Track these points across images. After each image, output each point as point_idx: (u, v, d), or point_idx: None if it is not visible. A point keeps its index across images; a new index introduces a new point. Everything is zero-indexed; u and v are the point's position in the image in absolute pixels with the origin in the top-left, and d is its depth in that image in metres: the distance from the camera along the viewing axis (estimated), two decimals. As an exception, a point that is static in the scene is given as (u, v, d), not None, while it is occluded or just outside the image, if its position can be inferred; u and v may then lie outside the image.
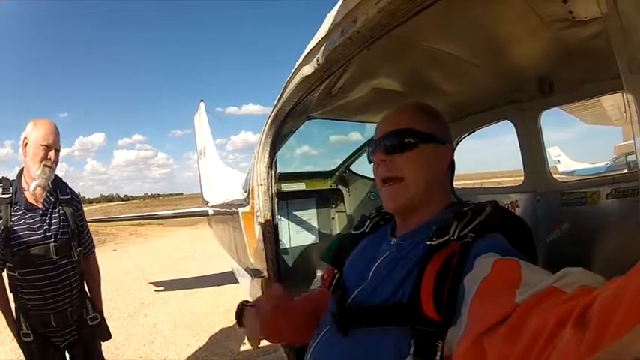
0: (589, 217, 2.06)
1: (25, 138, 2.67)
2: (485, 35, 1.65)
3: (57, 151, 2.72)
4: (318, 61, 1.54)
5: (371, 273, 1.20)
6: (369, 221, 1.48)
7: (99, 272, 3.16)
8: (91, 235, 3.10)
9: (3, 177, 2.74)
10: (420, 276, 1.02)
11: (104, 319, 3.02)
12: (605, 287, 0.51)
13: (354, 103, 2.37)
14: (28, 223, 2.61)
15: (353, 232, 1.51)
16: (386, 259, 1.20)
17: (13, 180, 2.73)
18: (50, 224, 2.68)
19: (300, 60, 1.69)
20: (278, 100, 2.11)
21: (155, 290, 9.80)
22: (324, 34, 1.42)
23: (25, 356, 2.70)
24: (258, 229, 2.67)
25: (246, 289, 4.23)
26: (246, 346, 5.73)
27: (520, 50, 1.82)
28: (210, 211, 7.72)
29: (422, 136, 1.21)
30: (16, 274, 2.59)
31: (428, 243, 1.07)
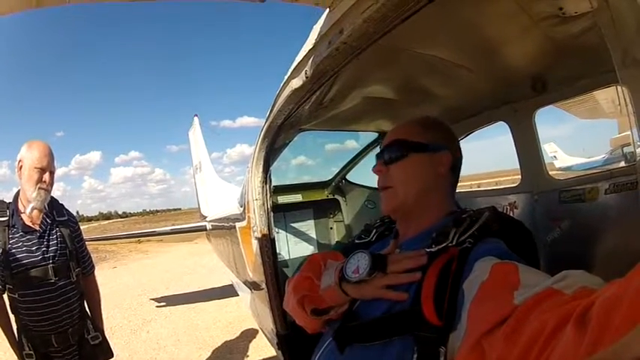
0: (589, 214, 2.05)
1: (20, 160, 2.65)
2: (476, 37, 1.66)
3: (51, 173, 2.70)
4: (306, 73, 1.52)
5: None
6: (374, 230, 1.51)
7: (98, 292, 3.14)
8: (90, 256, 3.07)
9: (0, 200, 2.73)
10: (420, 283, 1.03)
11: (105, 338, 3.00)
12: (606, 289, 0.52)
13: (347, 112, 2.37)
14: (25, 246, 2.59)
15: (357, 241, 1.52)
16: None
17: (9, 202, 2.71)
18: (48, 246, 2.66)
19: (289, 73, 1.68)
20: (269, 114, 2.10)
21: (157, 306, 9.75)
22: (311, 46, 1.41)
23: None
24: (255, 243, 2.64)
25: (247, 303, 4.21)
26: (249, 359, 5.80)
27: (511, 50, 1.81)
28: (209, 226, 7.68)
29: (413, 145, 1.26)
30: (16, 295, 2.57)
31: (427, 250, 1.09)
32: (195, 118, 11.38)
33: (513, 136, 2.38)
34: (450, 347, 0.91)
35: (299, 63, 1.56)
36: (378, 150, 3.31)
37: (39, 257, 2.60)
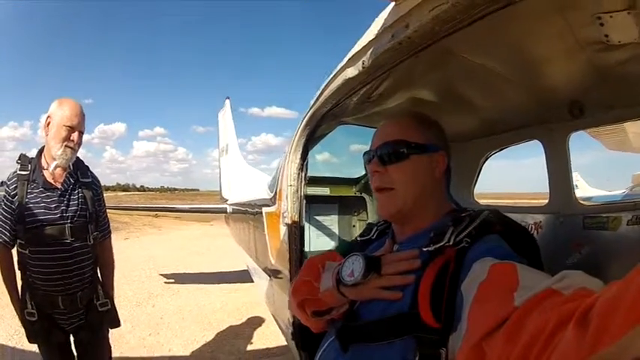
0: (609, 242, 2.07)
1: (49, 117, 2.69)
2: (523, 53, 1.67)
3: (80, 133, 2.75)
4: (364, 63, 1.54)
5: None
6: (375, 228, 1.53)
7: (113, 258, 3.16)
8: (108, 221, 3.11)
9: (22, 154, 2.77)
10: (417, 285, 1.06)
11: (114, 306, 3.03)
12: (606, 289, 0.52)
13: (389, 110, 2.36)
14: (44, 202, 2.63)
15: (359, 238, 1.56)
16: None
17: (32, 157, 2.75)
18: (68, 205, 2.70)
19: (345, 62, 1.70)
20: (315, 101, 2.12)
21: (165, 282, 9.88)
22: (373, 37, 1.43)
23: (27, 335, 2.74)
24: (284, 230, 2.67)
25: (263, 290, 4.25)
26: (253, 346, 5.86)
27: (554, 70, 1.84)
28: (229, 209, 7.76)
29: (413, 146, 1.26)
30: (27, 252, 2.62)
31: (424, 249, 1.11)
32: (227, 101, 11.45)
33: (546, 156, 2.40)
34: (451, 348, 0.94)
35: (357, 53, 1.57)
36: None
37: (57, 215, 2.63)
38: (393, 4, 1.28)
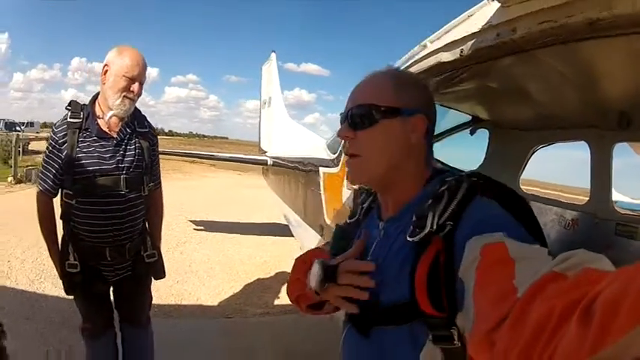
0: (636, 252, 2.23)
1: (106, 65, 2.55)
2: (592, 61, 1.76)
3: (141, 84, 2.61)
4: (462, 52, 1.69)
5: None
6: (360, 207, 1.46)
7: (162, 208, 3.14)
8: (159, 170, 3.03)
9: (72, 100, 2.65)
10: (412, 277, 1.03)
11: (161, 256, 2.99)
12: (612, 277, 0.50)
13: (457, 92, 2.51)
14: (98, 152, 2.53)
15: (348, 220, 1.49)
16: (376, 249, 1.22)
17: (84, 104, 2.64)
18: (124, 156, 2.60)
19: (440, 45, 1.86)
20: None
21: (194, 229, 9.96)
22: (476, 30, 1.58)
23: (66, 287, 2.67)
24: (347, 193, 2.76)
25: (309, 244, 4.23)
26: (280, 300, 5.89)
27: (612, 81, 1.98)
28: (270, 161, 7.81)
29: (383, 110, 1.17)
30: (74, 202, 2.52)
31: (409, 239, 1.05)
32: (273, 55, 11.32)
33: (591, 159, 2.57)
34: (461, 326, 0.95)
35: (456, 40, 1.74)
36: (466, 132, 3.23)
37: (112, 166, 2.54)
38: (498, 4, 1.44)
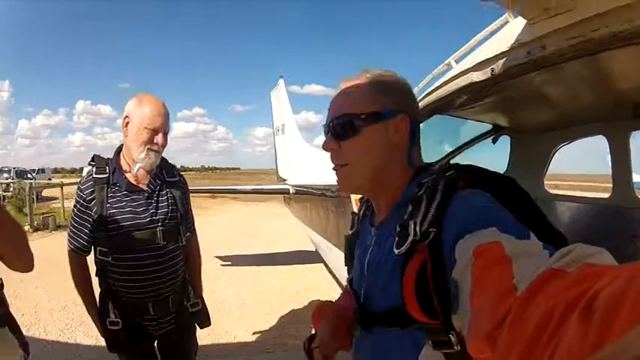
0: None
1: (127, 117, 2.44)
2: (608, 60, 1.79)
3: (165, 134, 2.49)
4: (493, 71, 1.75)
5: (365, 274, 1.24)
6: (357, 217, 1.49)
7: (200, 254, 3.00)
8: (192, 215, 2.91)
9: (95, 155, 2.56)
10: (401, 287, 1.03)
11: (205, 304, 2.88)
12: (613, 276, 0.50)
13: (483, 106, 2.58)
14: (130, 206, 2.44)
15: (349, 231, 1.51)
16: (371, 256, 1.24)
17: (108, 159, 2.54)
18: (157, 208, 2.51)
19: (470, 65, 1.92)
20: (426, 95, 2.37)
21: (221, 265, 9.97)
22: (506, 49, 1.65)
23: (109, 345, 2.55)
24: None
25: (341, 269, 4.28)
26: None
27: (627, 75, 2.03)
28: (292, 190, 7.88)
29: (364, 118, 1.17)
30: (109, 259, 2.41)
31: (396, 251, 1.05)
32: (281, 80, 11.46)
33: (610, 151, 2.67)
34: (458, 327, 0.95)
35: (486, 60, 1.79)
36: (488, 141, 3.25)
37: (146, 219, 2.45)
38: (524, 21, 1.52)
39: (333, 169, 1.26)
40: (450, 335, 0.96)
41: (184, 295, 2.71)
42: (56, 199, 20.90)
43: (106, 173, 2.45)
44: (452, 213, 0.98)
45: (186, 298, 2.72)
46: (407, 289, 1.00)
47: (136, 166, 2.44)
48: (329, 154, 1.25)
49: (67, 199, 18.10)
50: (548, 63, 1.53)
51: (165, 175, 2.64)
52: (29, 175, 30.32)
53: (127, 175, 2.48)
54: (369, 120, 1.17)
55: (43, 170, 44.10)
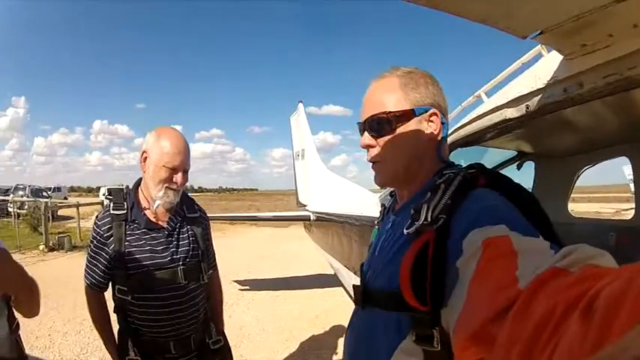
0: None
1: (145, 152, 2.36)
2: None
3: (185, 172, 2.41)
4: (528, 108, 1.75)
5: (376, 254, 1.30)
6: (383, 208, 1.56)
7: (221, 290, 2.96)
8: (214, 251, 2.83)
9: (110, 189, 2.50)
10: (399, 267, 1.06)
11: (227, 341, 2.79)
12: (614, 276, 0.51)
13: (510, 136, 2.63)
14: (150, 245, 2.36)
15: (376, 226, 1.56)
16: (384, 238, 1.30)
17: (127, 193, 2.48)
18: (178, 246, 2.43)
19: (504, 101, 1.92)
20: (458, 129, 2.41)
21: (239, 290, 9.90)
22: (542, 86, 1.65)
23: None
24: None
25: None
26: (339, 356, 5.75)
27: None
28: (313, 217, 7.86)
29: (399, 115, 1.25)
30: (129, 298, 2.34)
31: (405, 232, 1.10)
32: (300, 105, 11.44)
33: (634, 172, 2.67)
34: (444, 324, 0.97)
35: (521, 96, 1.79)
36: (512, 167, 3.26)
37: (167, 259, 2.36)
38: (561, 57, 1.51)
39: (371, 164, 1.34)
40: (434, 330, 0.98)
41: (206, 332, 2.64)
42: (72, 218, 21.09)
43: (124, 209, 2.39)
44: (467, 206, 1.02)
45: (208, 336, 2.64)
46: (404, 266, 1.03)
47: (155, 203, 2.37)
48: (367, 154, 1.33)
49: (83, 218, 18.18)
50: (584, 100, 1.52)
51: (186, 210, 2.57)
52: (45, 194, 30.28)
53: (147, 211, 2.42)
54: (404, 118, 1.24)
55: (59, 189, 44.20)
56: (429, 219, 1.04)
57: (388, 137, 1.26)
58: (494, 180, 1.11)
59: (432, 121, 1.26)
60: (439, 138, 1.28)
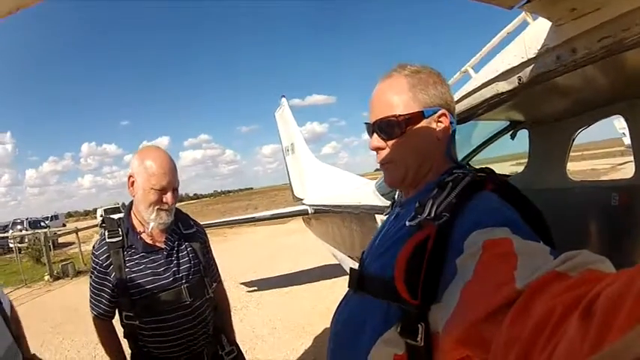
0: None
1: (131, 176, 2.34)
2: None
3: (175, 191, 2.39)
4: (520, 79, 1.71)
5: (377, 241, 1.33)
6: (393, 201, 1.56)
7: (228, 300, 2.94)
8: (216, 263, 2.84)
9: (105, 218, 2.47)
10: (396, 257, 1.09)
11: (240, 350, 2.78)
12: (613, 278, 0.51)
13: (502, 108, 2.55)
14: (150, 268, 2.34)
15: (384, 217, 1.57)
16: (386, 228, 1.34)
17: (120, 219, 2.44)
18: (179, 265, 2.41)
19: (495, 75, 1.86)
20: None
21: (247, 292, 9.88)
22: (533, 55, 1.60)
23: None
24: None
25: None
26: None
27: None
28: (311, 210, 7.85)
29: (409, 118, 1.25)
30: (137, 322, 2.32)
31: (407, 223, 1.13)
32: (283, 99, 11.41)
33: (630, 131, 2.61)
34: (432, 321, 0.98)
35: (512, 68, 1.74)
36: (506, 137, 3.22)
37: (169, 279, 2.35)
38: (550, 24, 1.47)
39: (380, 165, 1.36)
40: (420, 325, 0.99)
41: (218, 344, 2.62)
42: (73, 244, 21.08)
43: (119, 236, 2.37)
44: (472, 207, 1.04)
45: (220, 348, 2.62)
46: (401, 256, 1.06)
47: (150, 225, 2.34)
48: (371, 154, 1.36)
49: (83, 242, 18.15)
50: (578, 67, 1.48)
51: (182, 227, 2.55)
52: (42, 224, 30.46)
53: (143, 235, 2.39)
54: (414, 120, 1.24)
55: (56, 217, 44.60)
56: (433, 214, 1.07)
57: (398, 139, 1.27)
58: (501, 186, 1.13)
59: (440, 122, 1.27)
60: (448, 137, 1.29)
